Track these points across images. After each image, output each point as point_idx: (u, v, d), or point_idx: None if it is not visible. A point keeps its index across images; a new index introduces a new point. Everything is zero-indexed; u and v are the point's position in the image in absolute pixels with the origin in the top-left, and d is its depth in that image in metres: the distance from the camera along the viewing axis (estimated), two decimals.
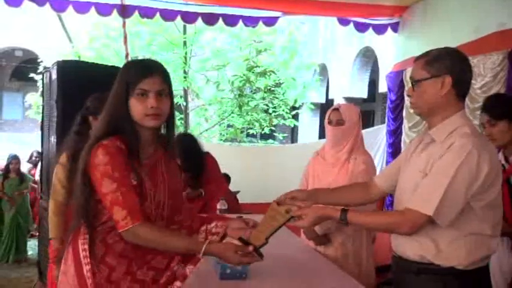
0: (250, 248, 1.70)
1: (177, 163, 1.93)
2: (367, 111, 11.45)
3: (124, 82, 1.69)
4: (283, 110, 10.53)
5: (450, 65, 1.80)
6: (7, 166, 6.49)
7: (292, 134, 14.45)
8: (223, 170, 4.47)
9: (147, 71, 1.69)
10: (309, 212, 1.94)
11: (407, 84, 5.76)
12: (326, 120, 2.90)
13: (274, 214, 1.89)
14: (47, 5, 5.47)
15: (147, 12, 5.80)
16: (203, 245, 1.65)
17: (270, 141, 11.77)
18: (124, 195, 1.60)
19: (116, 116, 1.69)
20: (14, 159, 6.54)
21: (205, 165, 3.69)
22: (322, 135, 5.90)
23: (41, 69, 9.96)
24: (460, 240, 1.77)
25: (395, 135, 6.20)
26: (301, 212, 1.94)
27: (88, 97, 2.76)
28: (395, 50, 6.48)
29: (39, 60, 12.26)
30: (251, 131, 11.00)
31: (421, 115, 1.95)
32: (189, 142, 3.70)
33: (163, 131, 1.82)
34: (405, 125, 5.87)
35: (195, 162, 3.57)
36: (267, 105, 10.42)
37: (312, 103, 11.34)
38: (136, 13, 5.74)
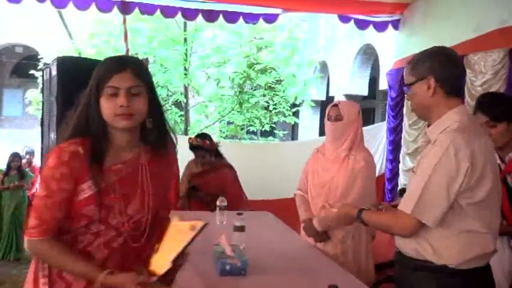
0: (153, 279, 1.46)
1: (173, 169, 1.78)
2: (367, 108, 11.43)
3: (95, 80, 1.55)
4: (283, 107, 10.53)
5: (431, 66, 1.84)
6: (9, 164, 6.54)
7: (293, 131, 14.45)
8: None
9: (116, 67, 1.52)
10: (340, 207, 2.12)
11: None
12: (326, 117, 2.92)
13: (176, 233, 1.56)
14: (48, 2, 5.46)
15: (147, 9, 5.79)
16: (101, 274, 1.44)
17: (270, 138, 11.78)
18: (46, 207, 1.47)
19: (85, 116, 1.54)
20: (16, 157, 6.62)
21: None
22: (322, 132, 5.89)
23: (41, 65, 9.94)
24: (451, 238, 1.77)
25: (395, 132, 6.20)
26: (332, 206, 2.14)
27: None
28: (396, 47, 6.47)
29: (39, 57, 12.24)
30: (251, 128, 11.00)
31: (420, 117, 2.03)
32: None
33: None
34: (405, 123, 5.86)
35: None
36: (267, 102, 10.41)
37: (312, 100, 11.33)
38: (136, 10, 5.72)
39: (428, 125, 1.93)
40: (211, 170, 3.88)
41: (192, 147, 3.87)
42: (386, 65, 6.99)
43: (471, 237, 1.78)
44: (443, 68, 1.83)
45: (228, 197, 3.68)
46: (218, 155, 3.96)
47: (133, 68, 1.53)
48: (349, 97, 9.15)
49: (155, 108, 1.59)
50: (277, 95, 10.31)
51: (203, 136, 4.03)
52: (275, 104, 10.51)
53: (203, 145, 3.85)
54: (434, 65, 1.83)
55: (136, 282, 1.43)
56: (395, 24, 6.29)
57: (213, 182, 3.86)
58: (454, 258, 1.77)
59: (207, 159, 3.85)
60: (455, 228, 1.77)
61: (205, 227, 1.50)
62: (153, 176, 1.61)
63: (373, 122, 10.05)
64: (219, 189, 3.80)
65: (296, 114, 11.32)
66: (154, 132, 1.59)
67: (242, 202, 3.79)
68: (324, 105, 10.57)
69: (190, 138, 3.93)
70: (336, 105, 2.89)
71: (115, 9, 5.64)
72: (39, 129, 4.81)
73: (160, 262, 1.51)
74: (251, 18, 6.06)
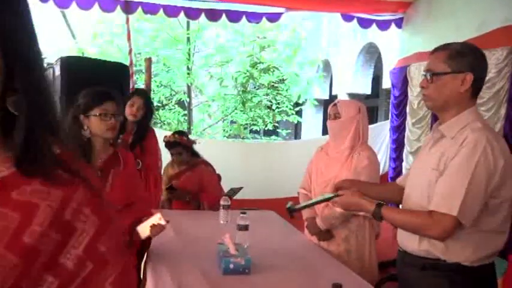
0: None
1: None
2: (370, 107, 11.38)
3: None
4: (286, 106, 10.54)
5: (472, 62, 1.78)
6: None
7: (296, 130, 14.44)
8: (226, 167, 4.47)
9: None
10: (347, 194, 1.97)
11: (411, 80, 5.76)
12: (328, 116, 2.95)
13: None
14: (51, 2, 5.48)
15: (150, 9, 5.80)
16: None
17: (274, 137, 11.78)
18: None
19: None
20: None
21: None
22: (325, 131, 5.89)
23: (44, 65, 9.97)
24: (469, 236, 1.76)
25: (398, 131, 6.19)
26: (342, 192, 2.00)
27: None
28: (399, 45, 6.46)
29: (42, 57, 12.27)
30: (254, 127, 11.01)
31: (434, 109, 1.93)
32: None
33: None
34: (409, 121, 5.86)
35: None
36: (270, 101, 10.42)
37: (315, 99, 11.32)
38: (139, 9, 5.73)
39: (440, 120, 1.88)
40: (187, 169, 3.84)
41: (169, 144, 3.82)
42: (390, 64, 6.98)
43: (487, 237, 1.77)
44: (482, 67, 1.81)
45: (207, 193, 3.74)
46: (194, 153, 3.93)
47: None
48: (352, 96, 9.14)
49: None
50: (280, 94, 10.31)
51: (180, 133, 4.01)
52: (278, 103, 10.51)
53: (180, 141, 3.81)
54: (476, 62, 1.78)
55: None
56: (398, 23, 6.28)
57: (191, 180, 3.82)
58: (468, 257, 1.77)
59: (184, 157, 3.81)
60: (474, 228, 1.74)
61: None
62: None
63: (376, 121, 10.02)
64: (197, 186, 3.79)
65: (299, 113, 11.31)
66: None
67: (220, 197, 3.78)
68: (327, 104, 10.53)
69: (165, 136, 3.88)
70: (335, 104, 2.93)
71: (118, 8, 5.64)
72: None
73: None
74: (254, 17, 6.06)
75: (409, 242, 1.89)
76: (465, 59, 1.77)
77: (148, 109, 3.84)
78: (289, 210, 2.24)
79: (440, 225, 1.71)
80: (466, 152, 1.70)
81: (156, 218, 2.24)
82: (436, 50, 1.85)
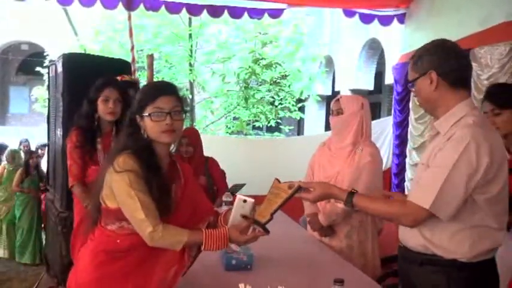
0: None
1: None
2: (373, 103, 11.35)
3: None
4: (289, 103, 10.52)
5: (430, 60, 1.85)
6: (26, 162, 6.19)
7: (299, 127, 14.43)
8: (228, 163, 4.47)
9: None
10: (317, 187, 1.96)
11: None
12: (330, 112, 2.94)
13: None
14: None
15: (152, 5, 5.80)
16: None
17: (276, 133, 11.77)
18: None
19: None
20: (33, 153, 6.34)
21: None
22: (328, 127, 5.87)
23: (47, 62, 9.99)
24: (463, 232, 1.77)
25: (401, 126, 6.18)
26: (309, 185, 1.97)
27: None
28: (401, 41, 6.44)
29: (45, 54, 12.29)
30: (257, 124, 11.01)
31: (427, 112, 2.02)
32: None
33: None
34: (412, 117, 5.85)
35: None
36: (272, 97, 10.41)
37: (318, 95, 11.31)
38: (141, 6, 5.73)
39: (435, 118, 1.92)
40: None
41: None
42: (392, 59, 6.97)
43: (482, 232, 1.78)
44: (443, 60, 1.84)
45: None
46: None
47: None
48: (355, 92, 9.12)
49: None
50: (282, 90, 10.30)
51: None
52: (281, 99, 10.50)
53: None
54: (433, 59, 1.84)
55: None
56: (401, 18, 6.26)
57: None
58: (465, 253, 1.77)
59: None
60: (467, 223, 1.76)
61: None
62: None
63: (379, 117, 10.02)
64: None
65: (302, 109, 11.30)
66: None
67: None
68: (330, 100, 10.49)
69: None
70: (338, 100, 2.92)
71: (120, 5, 5.64)
72: (46, 126, 4.83)
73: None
74: (256, 13, 6.05)
75: (408, 238, 1.90)
76: (424, 59, 1.86)
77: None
78: (258, 223, 1.86)
79: (412, 215, 1.77)
80: (448, 147, 1.74)
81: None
82: (410, 59, 1.96)
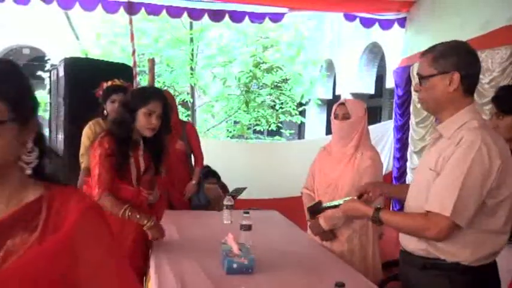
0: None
1: None
2: (374, 106, 11.40)
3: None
4: (290, 107, 10.53)
5: (457, 61, 1.78)
6: None
7: (299, 131, 14.44)
8: (229, 167, 4.47)
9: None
10: (348, 201, 2.04)
11: (415, 80, 5.74)
12: (332, 115, 2.90)
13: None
14: (54, 3, 5.49)
15: (153, 9, 5.82)
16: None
17: (277, 137, 11.78)
18: None
19: None
20: None
21: None
22: (329, 131, 5.86)
23: (48, 67, 10.01)
24: (467, 237, 1.75)
25: (402, 130, 6.18)
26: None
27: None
28: (402, 45, 6.44)
29: (46, 58, 12.31)
30: (258, 128, 11.01)
31: (429, 111, 1.94)
32: None
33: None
34: (412, 121, 5.84)
35: None
36: (273, 101, 10.42)
37: (318, 99, 11.32)
38: (142, 10, 5.75)
39: (437, 120, 1.90)
40: None
41: None
42: (393, 63, 6.97)
43: (487, 237, 1.76)
44: (469, 64, 1.80)
45: None
46: None
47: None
48: (356, 95, 9.13)
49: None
50: (283, 94, 10.32)
51: None
52: (281, 103, 10.51)
53: None
54: (461, 60, 1.78)
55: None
56: (402, 22, 6.27)
57: None
58: (468, 256, 1.76)
59: None
60: (474, 228, 1.74)
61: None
62: None
63: (379, 121, 10.02)
64: None
65: (302, 113, 11.31)
66: None
67: None
68: (331, 104, 10.54)
69: None
70: (343, 104, 2.86)
71: (121, 10, 5.66)
72: (47, 130, 4.84)
73: None
74: (257, 17, 6.07)
75: (409, 242, 1.89)
76: (449, 59, 1.79)
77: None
78: (311, 211, 2.37)
79: (436, 226, 1.71)
80: (460, 152, 1.70)
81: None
82: (423, 53, 1.87)
